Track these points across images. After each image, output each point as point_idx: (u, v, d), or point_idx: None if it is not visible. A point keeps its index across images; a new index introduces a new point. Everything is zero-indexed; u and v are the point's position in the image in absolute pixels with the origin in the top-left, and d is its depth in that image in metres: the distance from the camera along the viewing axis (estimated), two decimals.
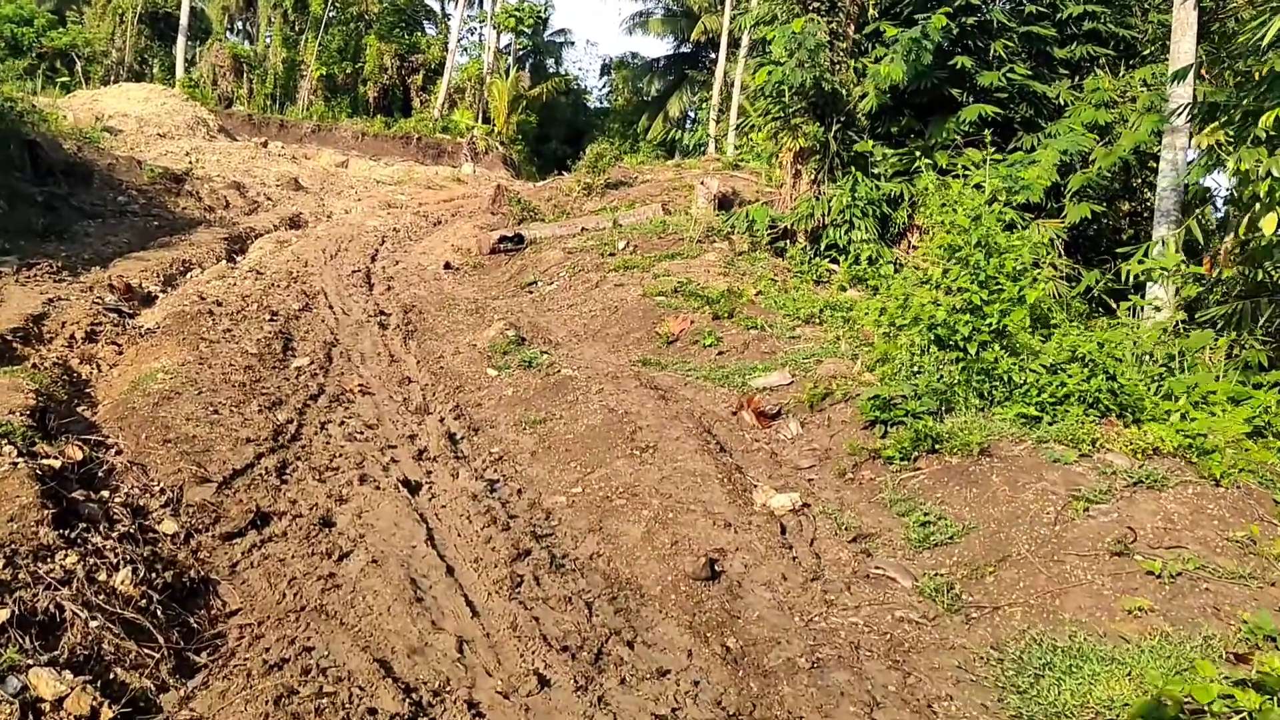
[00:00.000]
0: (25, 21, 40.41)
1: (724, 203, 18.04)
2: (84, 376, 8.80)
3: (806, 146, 14.86)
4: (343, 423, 7.32)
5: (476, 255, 16.72)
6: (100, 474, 5.55)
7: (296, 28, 47.50)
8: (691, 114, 56.28)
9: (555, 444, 6.75)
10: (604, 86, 66.01)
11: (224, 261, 15.08)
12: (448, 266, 16.13)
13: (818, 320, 10.38)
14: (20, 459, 4.99)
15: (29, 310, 9.74)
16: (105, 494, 5.18)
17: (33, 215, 14.07)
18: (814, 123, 14.73)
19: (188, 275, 14.09)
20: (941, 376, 6.83)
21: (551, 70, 61.78)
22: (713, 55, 54.88)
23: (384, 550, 4.75)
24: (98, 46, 43.01)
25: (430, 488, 5.86)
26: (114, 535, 4.57)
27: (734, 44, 44.78)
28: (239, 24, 53.24)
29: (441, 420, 7.83)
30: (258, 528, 4.90)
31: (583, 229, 16.51)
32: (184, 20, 44.12)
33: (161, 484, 5.45)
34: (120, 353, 9.57)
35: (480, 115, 49.37)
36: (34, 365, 8.28)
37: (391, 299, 13.40)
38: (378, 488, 5.59)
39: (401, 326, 11.50)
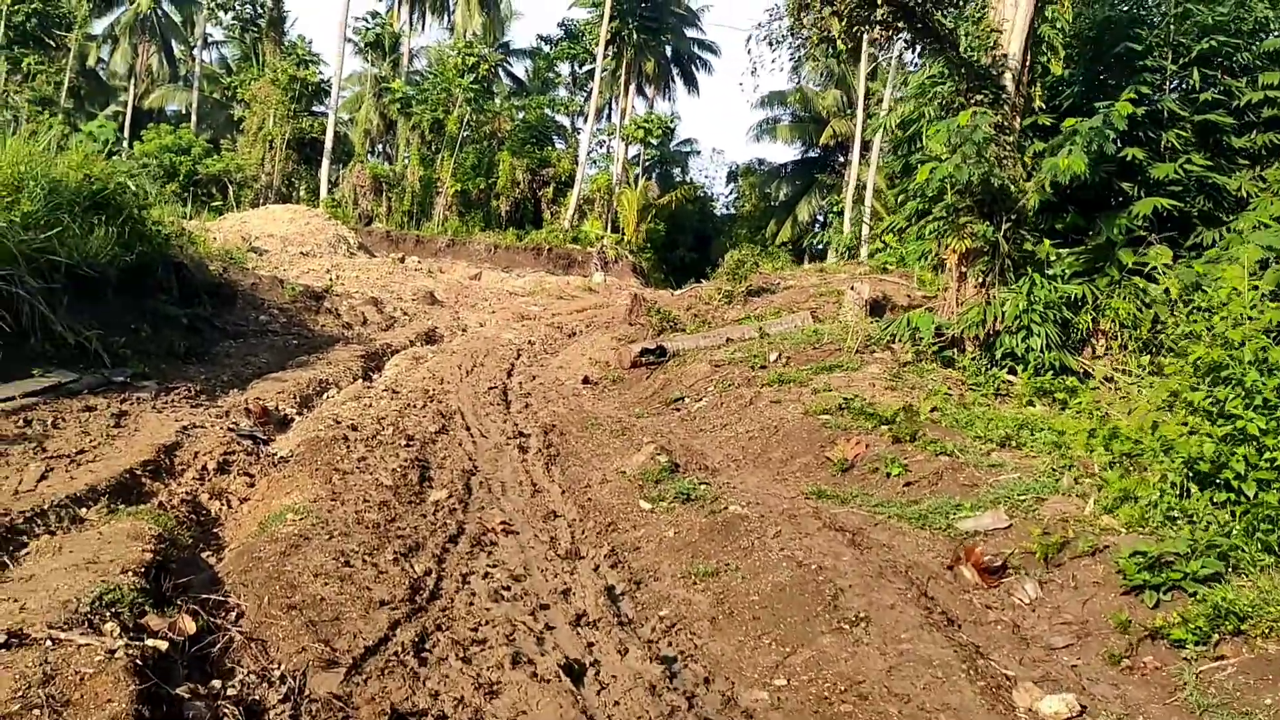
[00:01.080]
0: (183, 150, 42.76)
1: (875, 308, 16.93)
2: (213, 514, 8.18)
3: (973, 247, 13.69)
4: (486, 574, 6.39)
5: (616, 369, 15.96)
6: (214, 652, 4.71)
7: (433, 147, 49.08)
8: (820, 218, 55.71)
9: (737, 608, 5.65)
10: (731, 193, 66.32)
11: (360, 380, 14.68)
12: (586, 381, 15.39)
13: (1015, 443, 9.07)
14: (121, 642, 4.18)
15: (162, 440, 9.27)
16: (216, 684, 4.32)
17: (175, 338, 13.96)
18: (981, 221, 13.57)
19: (324, 395, 13.68)
20: (1215, 526, 5.50)
21: (678, 179, 62.37)
22: (841, 159, 54.53)
23: None
24: (249, 171, 45.17)
25: (596, 672, 4.81)
26: None
27: (865, 147, 44.21)
28: (379, 146, 55.56)
29: (596, 569, 6.84)
30: None
31: (727, 339, 15.59)
32: (328, 145, 46.12)
33: (282, 667, 4.57)
34: (252, 485, 8.97)
35: (609, 225, 49.82)
36: (160, 504, 7.69)
37: (530, 418, 12.65)
38: (534, 675, 4.58)
39: (543, 450, 10.67)
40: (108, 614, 4.60)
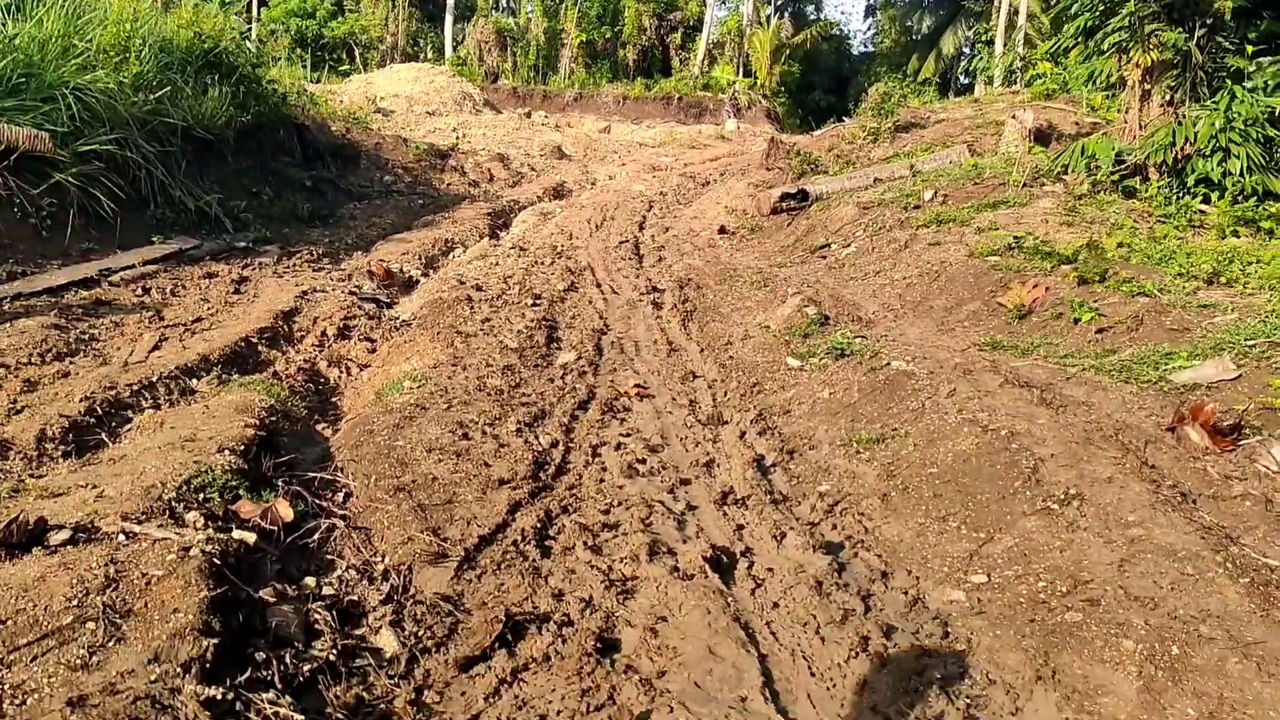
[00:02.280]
0: (308, 15, 42.34)
1: (1040, 138, 15.22)
2: (330, 382, 7.71)
3: (1161, 60, 11.87)
4: (619, 445, 5.67)
5: (754, 217, 14.86)
6: (312, 542, 4.16)
7: None
8: (966, 50, 51.89)
9: (912, 482, 4.77)
10: (869, 29, 62.38)
11: (486, 239, 14.06)
12: (723, 231, 14.39)
13: (1225, 279, 7.76)
14: (201, 536, 3.62)
15: (280, 306, 8.84)
16: (310, 582, 3.75)
17: (298, 200, 13.57)
18: (1171, 28, 11.71)
19: (450, 255, 13.14)
20: None
21: (811, 17, 58.83)
22: None
23: (701, 710, 2.97)
24: (373, 33, 44.53)
25: (749, 564, 4.05)
26: (303, 668, 3.10)
27: None
28: (503, 1, 53.71)
29: (742, 435, 6.05)
30: (509, 646, 3.29)
31: (875, 180, 14.25)
32: (450, 1, 44.94)
33: (386, 560, 3.98)
34: (373, 350, 8.48)
35: (740, 69, 47.53)
36: (275, 374, 7.24)
37: (664, 272, 11.81)
38: (675, 569, 3.85)
39: (678, 306, 9.85)
40: (195, 501, 4.08)
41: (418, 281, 11.54)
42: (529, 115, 31.46)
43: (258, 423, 5.44)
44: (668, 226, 15.19)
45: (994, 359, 6.68)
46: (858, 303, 9.07)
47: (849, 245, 11.52)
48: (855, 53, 60.91)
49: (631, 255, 12.93)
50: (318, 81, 33.00)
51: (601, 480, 5.02)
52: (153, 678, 2.78)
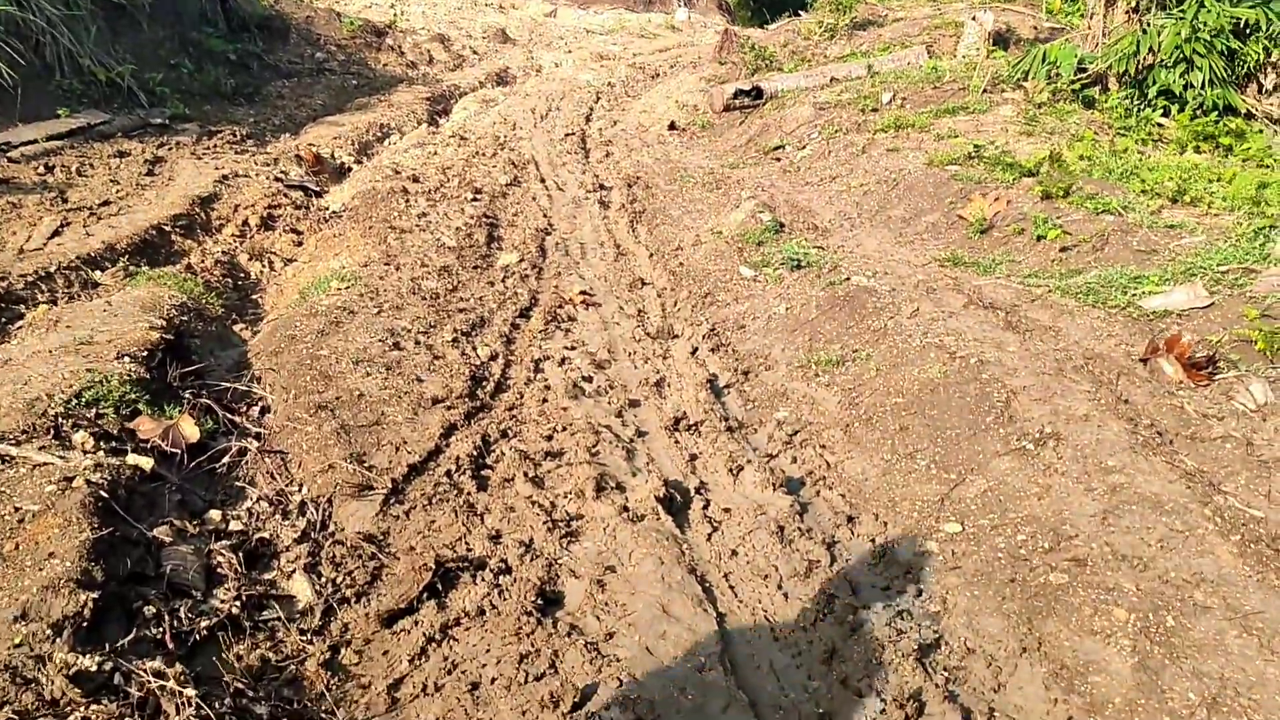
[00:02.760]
0: None
1: (998, 42, 14.76)
2: (252, 277, 7.17)
3: None
4: (563, 360, 5.29)
5: (705, 113, 14.27)
6: (221, 467, 3.73)
7: None
8: None
9: (876, 412, 4.46)
10: None
11: (425, 125, 13.32)
12: (673, 127, 13.79)
13: (1190, 197, 7.50)
14: (88, 462, 3.19)
15: (199, 191, 8.18)
16: (215, 515, 3.34)
17: (221, 75, 12.64)
18: None
19: (385, 142, 12.41)
20: None
21: None
22: None
23: (653, 683, 2.65)
24: None
25: (705, 504, 3.73)
26: (200, 623, 2.71)
27: None
28: None
29: (694, 352, 5.69)
30: (438, 597, 2.94)
31: (831, 79, 13.71)
32: None
33: (304, 491, 3.58)
34: (299, 243, 7.92)
35: None
36: (189, 266, 6.67)
37: (611, 168, 11.27)
38: (624, 509, 3.51)
39: (627, 206, 9.37)
40: (85, 418, 3.61)
41: (350, 169, 10.86)
42: None
43: (165, 323, 4.94)
44: (615, 120, 14.54)
45: (956, 276, 6.37)
46: (813, 210, 8.68)
47: (804, 148, 11.06)
48: None
49: (578, 149, 12.34)
50: None
51: (544, 400, 4.64)
52: (16, 641, 2.37)
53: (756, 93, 13.36)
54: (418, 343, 5.16)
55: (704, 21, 36.46)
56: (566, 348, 5.51)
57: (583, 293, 6.73)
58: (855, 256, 7.05)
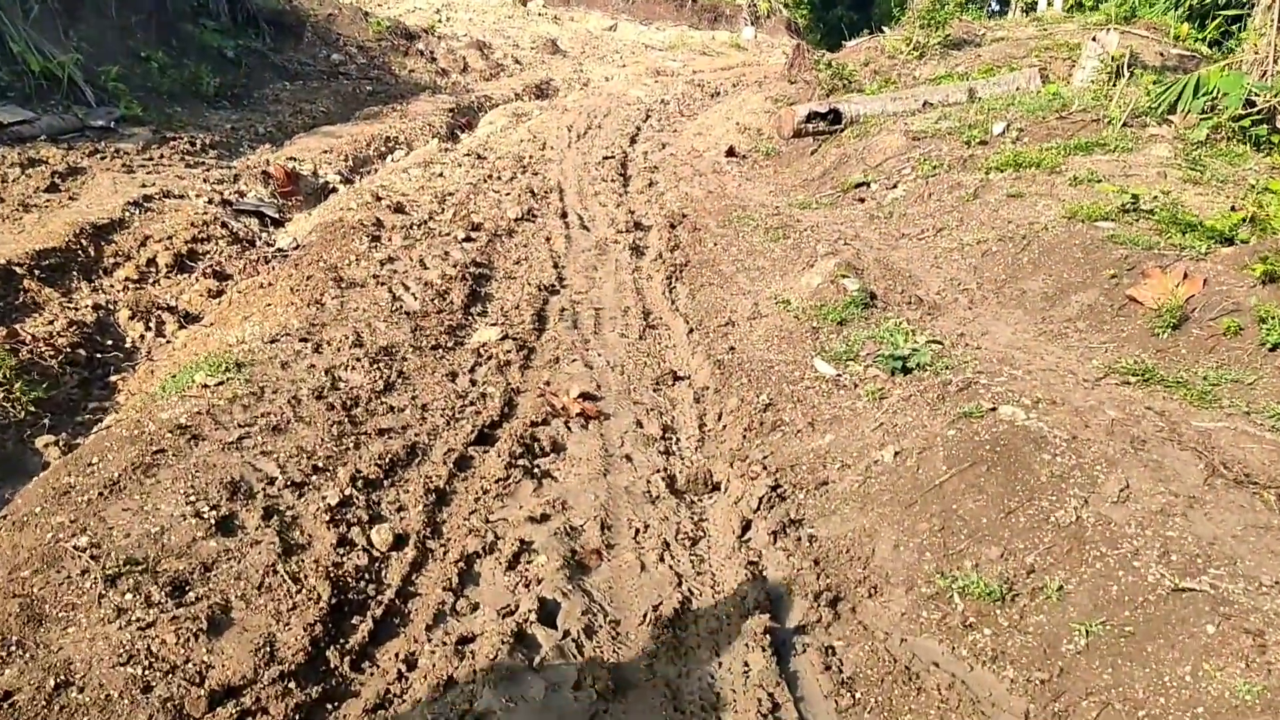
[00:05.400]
0: None
1: (1120, 68, 12.45)
2: (129, 343, 5.11)
3: None
4: (518, 553, 3.10)
5: (771, 138, 12.08)
6: None
7: None
8: None
9: None
10: None
11: (438, 140, 11.28)
12: (731, 153, 11.62)
13: None
14: None
15: (98, 216, 6.17)
16: None
17: (204, 73, 10.71)
18: None
19: (389, 158, 10.39)
20: None
21: None
22: None
23: None
24: None
25: None
26: None
27: None
28: None
29: (744, 534, 3.48)
30: None
31: (925, 103, 11.44)
32: None
33: None
34: (218, 294, 5.86)
35: None
36: (10, 333, 4.62)
37: (653, 202, 9.12)
38: None
39: (665, 255, 7.21)
40: None
41: (334, 190, 8.84)
42: (524, 2, 28.09)
43: None
44: (665, 143, 12.39)
45: (1160, 408, 4.09)
46: (915, 274, 6.43)
47: (895, 186, 8.80)
48: None
49: (615, 176, 10.21)
50: None
51: (448, 683, 2.44)
52: None
53: (834, 116, 11.13)
54: (271, 514, 3.02)
55: (770, 41, 34.34)
56: (532, 518, 3.33)
57: (583, 396, 4.56)
58: (987, 357, 4.80)
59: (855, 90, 13.38)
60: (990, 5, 46.51)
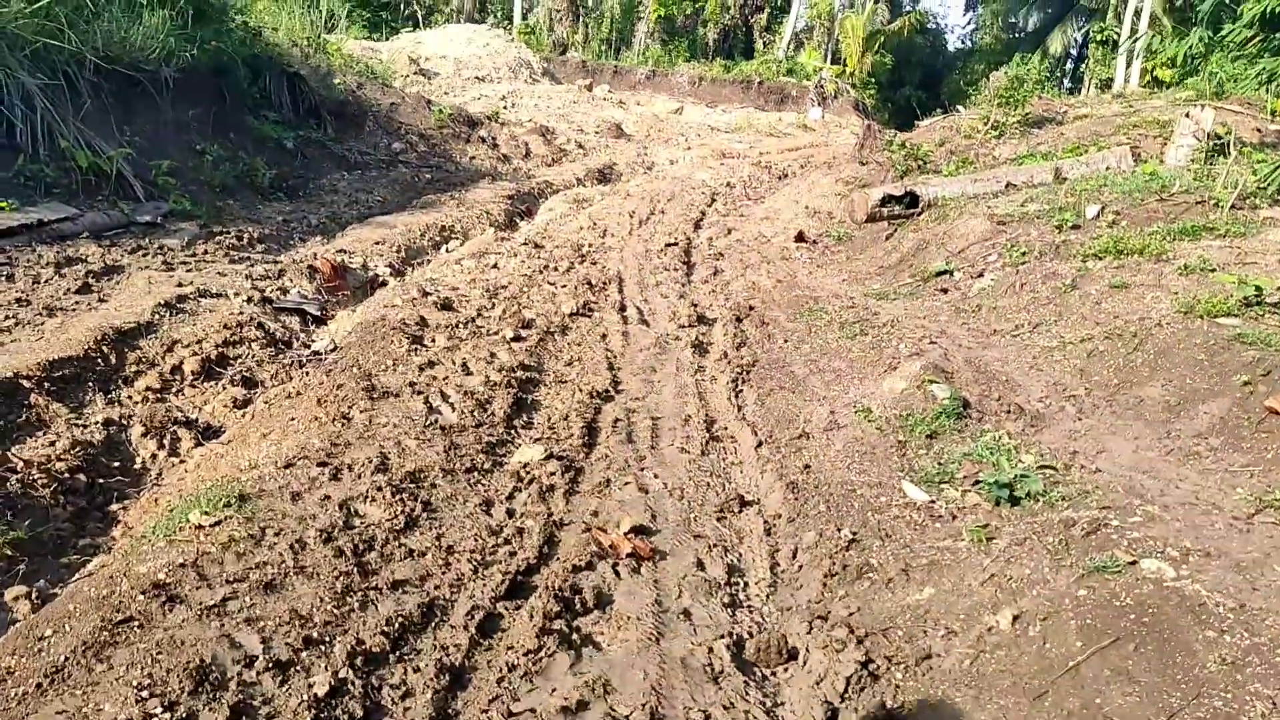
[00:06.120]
0: None
1: (1217, 146, 11.69)
2: (139, 464, 4.64)
3: None
4: None
5: (843, 222, 11.52)
6: None
7: None
8: (1074, 51, 47.64)
9: None
10: (968, 23, 58.34)
11: (495, 229, 10.92)
12: (801, 239, 11.07)
13: None
14: None
15: (125, 320, 5.80)
16: None
17: (260, 165, 10.53)
18: None
19: (443, 248, 10.03)
20: None
21: (906, 8, 54.91)
22: None
23: None
24: None
25: None
26: None
27: None
28: None
29: None
30: None
31: (1008, 185, 10.79)
32: None
33: None
34: (245, 404, 5.40)
35: (828, 56, 43.86)
36: (45, 443, 4.18)
37: (718, 293, 8.58)
38: None
39: (731, 354, 6.62)
40: None
41: (384, 283, 8.45)
42: (590, 88, 28.26)
43: None
44: (731, 228, 11.89)
45: None
46: (1012, 378, 5.73)
47: (981, 275, 8.13)
48: (950, 49, 56.84)
49: (679, 264, 9.70)
50: (369, 37, 30.18)
51: None
52: None
53: (910, 199, 10.53)
54: (240, 714, 2.43)
55: (839, 122, 34.06)
56: (566, 708, 2.69)
57: (635, 530, 3.94)
58: (1111, 484, 4.09)
59: (931, 171, 12.80)
60: (1064, 82, 46.21)
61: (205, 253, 7.86)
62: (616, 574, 3.61)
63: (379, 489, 3.91)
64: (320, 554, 3.33)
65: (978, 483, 4.30)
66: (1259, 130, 13.49)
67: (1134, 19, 36.72)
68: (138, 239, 7.83)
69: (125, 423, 4.87)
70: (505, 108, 21.35)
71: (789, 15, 44.13)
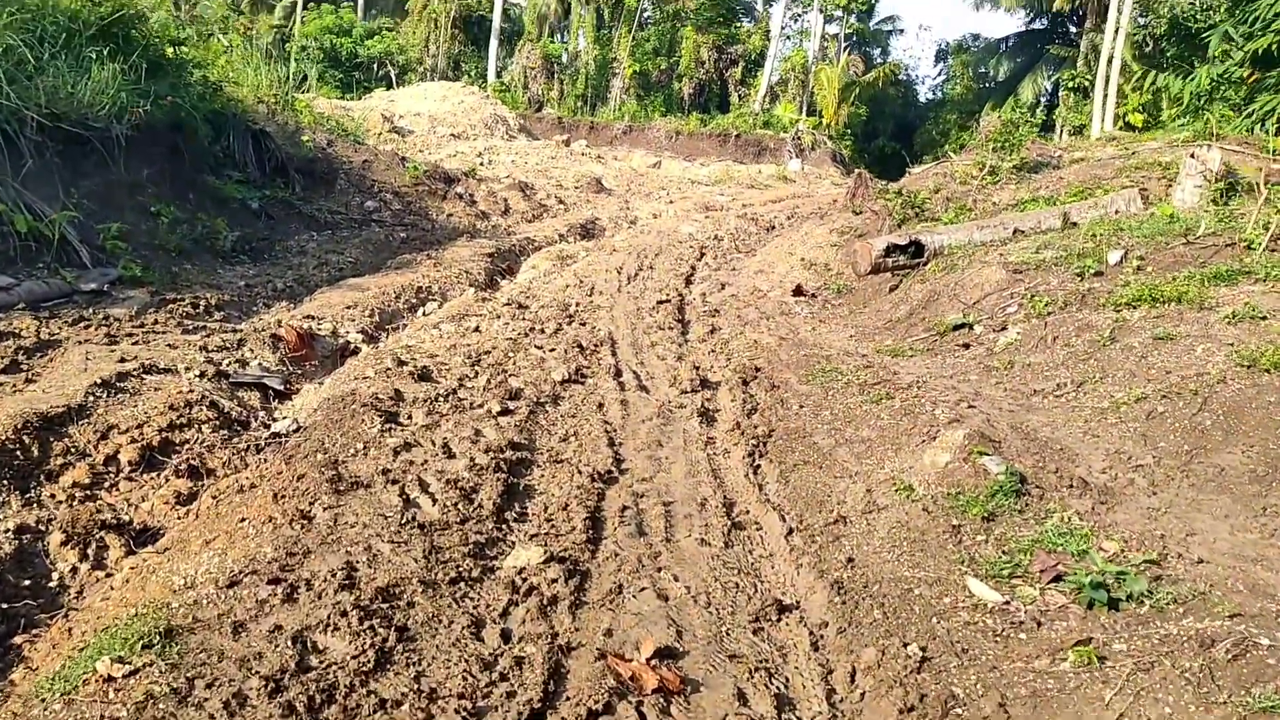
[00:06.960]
0: (344, 31, 39.44)
1: (1235, 186, 11.25)
2: (55, 582, 3.87)
3: None
4: None
5: (842, 274, 10.94)
6: None
7: (610, 28, 43.95)
8: (1045, 99, 47.99)
9: None
10: (939, 74, 58.85)
11: (474, 289, 10.24)
12: (799, 293, 10.47)
13: None
14: None
15: (51, 404, 5.04)
16: None
17: (221, 227, 9.84)
18: None
19: (419, 311, 9.33)
20: None
21: (878, 62, 55.29)
22: (1073, 28, 46.38)
23: None
24: (412, 54, 41.54)
25: None
26: None
27: (1102, 11, 36.23)
28: (557, 34, 50.33)
29: None
30: None
31: (1015, 231, 10.24)
32: (496, 22, 42.07)
33: None
34: (190, 500, 4.65)
35: (804, 109, 43.83)
36: None
37: (718, 352, 7.90)
38: None
39: (743, 423, 5.92)
40: None
41: (356, 351, 7.73)
42: (568, 144, 27.82)
43: None
44: (724, 282, 11.27)
45: None
46: (1067, 446, 5.06)
47: (1004, 328, 7.49)
48: (922, 99, 57.26)
49: (673, 323, 9.04)
50: (344, 96, 29.74)
51: None
52: None
53: (916, 248, 9.95)
54: None
55: (817, 173, 33.86)
56: None
57: (658, 656, 3.20)
58: (1226, 581, 3.41)
59: (930, 219, 12.26)
60: (1037, 130, 46.25)
61: (155, 323, 7.13)
62: (642, 717, 2.87)
63: (343, 613, 3.17)
64: (264, 714, 2.58)
65: (1058, 578, 3.62)
66: (1262, 169, 13.07)
67: (1107, 65, 36.91)
68: (80, 309, 7.10)
69: (44, 528, 4.11)
70: (482, 164, 20.84)
71: (763, 68, 44.20)
